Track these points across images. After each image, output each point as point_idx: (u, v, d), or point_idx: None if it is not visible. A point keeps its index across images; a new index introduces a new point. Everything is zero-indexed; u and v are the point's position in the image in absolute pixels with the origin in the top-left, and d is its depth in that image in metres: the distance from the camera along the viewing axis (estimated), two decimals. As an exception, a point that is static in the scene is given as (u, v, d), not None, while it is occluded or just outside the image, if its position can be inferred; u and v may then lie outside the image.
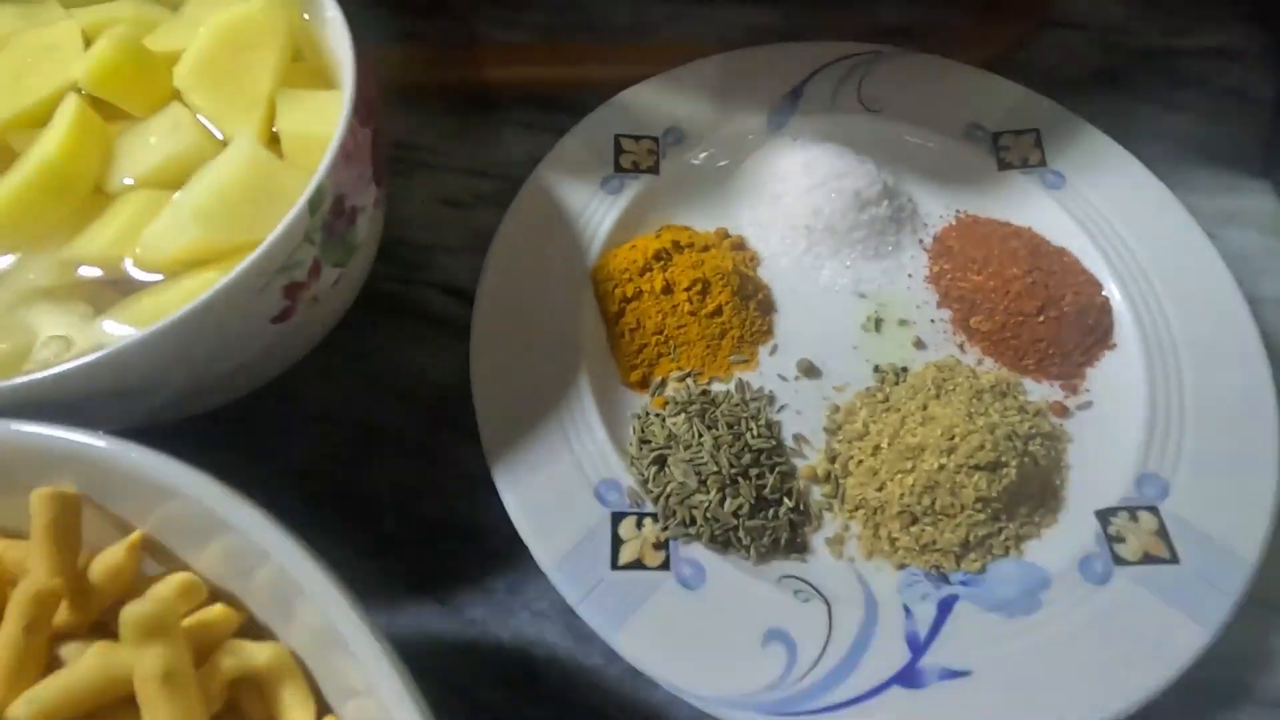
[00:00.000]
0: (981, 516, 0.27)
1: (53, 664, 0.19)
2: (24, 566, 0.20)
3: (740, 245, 0.34)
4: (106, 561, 0.20)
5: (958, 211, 0.35)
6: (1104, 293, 0.32)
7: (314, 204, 0.23)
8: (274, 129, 0.27)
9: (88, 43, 0.28)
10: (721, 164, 0.35)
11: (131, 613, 0.18)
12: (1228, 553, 0.25)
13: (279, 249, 0.22)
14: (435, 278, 0.35)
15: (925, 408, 0.28)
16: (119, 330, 0.23)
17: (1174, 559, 0.26)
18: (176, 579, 0.20)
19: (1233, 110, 0.39)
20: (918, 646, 0.25)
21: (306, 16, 0.28)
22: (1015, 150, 0.35)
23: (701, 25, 0.42)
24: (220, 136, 0.26)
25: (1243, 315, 0.30)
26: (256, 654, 0.19)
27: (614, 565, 0.26)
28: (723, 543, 0.27)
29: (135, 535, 0.20)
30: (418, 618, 0.28)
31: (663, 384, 0.31)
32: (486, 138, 0.38)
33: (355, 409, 0.32)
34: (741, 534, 0.26)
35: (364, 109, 0.25)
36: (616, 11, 0.42)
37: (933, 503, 0.27)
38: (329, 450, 0.31)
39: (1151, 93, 0.39)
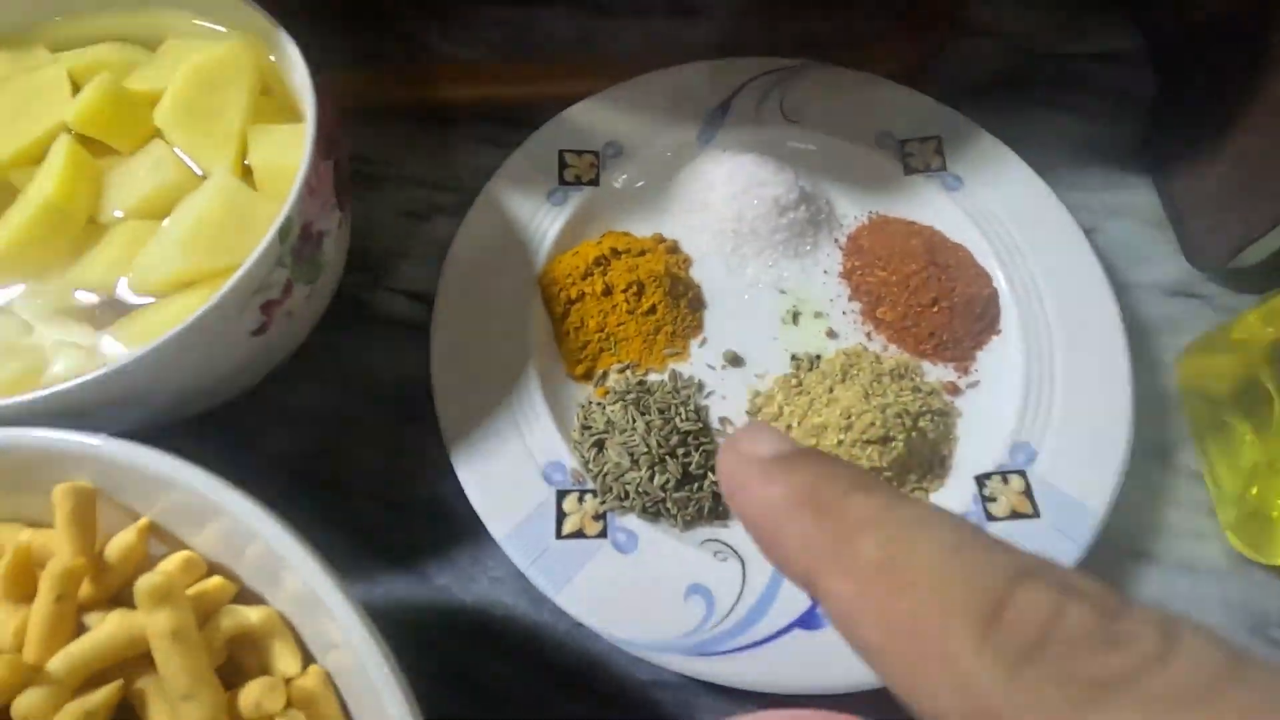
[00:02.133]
0: (875, 483, 0.31)
1: (79, 631, 0.23)
2: (49, 550, 0.24)
3: (674, 249, 0.38)
4: (119, 544, 0.23)
5: (870, 212, 0.39)
6: (993, 284, 0.36)
7: (283, 233, 0.26)
8: (246, 161, 0.30)
9: (74, 84, 0.31)
10: (657, 174, 0.39)
11: (144, 582, 0.22)
12: (1079, 507, 0.30)
13: (254, 274, 0.26)
14: (399, 284, 0.38)
15: (831, 391, 0.33)
16: (117, 348, 0.27)
17: (1035, 514, 0.30)
18: (179, 556, 0.24)
19: (1118, 110, 0.43)
20: (817, 595, 0.29)
21: (273, 58, 0.31)
22: (919, 156, 0.39)
23: (641, 38, 0.45)
24: (198, 170, 0.30)
25: (1109, 302, 0.34)
26: (250, 615, 0.23)
27: (558, 535, 0.30)
28: (653, 513, 0.31)
29: (143, 521, 0.24)
30: (390, 587, 0.32)
31: (604, 376, 0.34)
32: (444, 152, 0.42)
33: (331, 405, 0.35)
34: (669, 505, 0.31)
35: (325, 144, 0.28)
36: (563, 28, 0.45)
37: (834, 473, 0.31)
38: (308, 442, 0.35)
39: (1047, 95, 0.43)
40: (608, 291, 0.35)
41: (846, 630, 0.09)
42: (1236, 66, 0.38)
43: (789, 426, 0.32)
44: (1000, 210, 0.37)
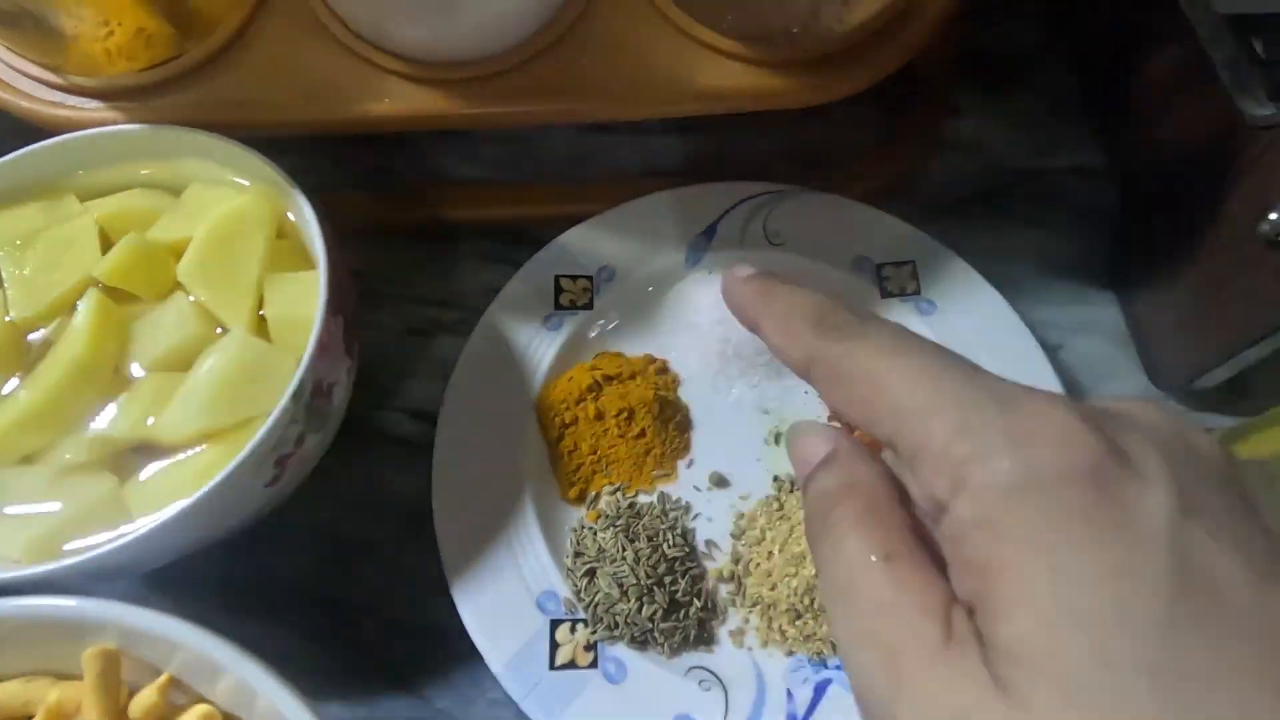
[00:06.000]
0: (852, 612, 0.32)
1: (103, 783, 0.25)
2: (75, 702, 0.26)
3: (664, 369, 0.40)
4: (142, 701, 0.25)
5: (849, 332, 0.41)
6: (964, 408, 0.38)
7: (298, 394, 0.28)
8: (261, 312, 0.32)
9: (102, 232, 0.34)
10: (647, 297, 0.41)
11: (166, 748, 0.23)
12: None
13: (271, 435, 0.28)
14: (404, 403, 0.40)
15: (810, 517, 0.34)
16: (139, 504, 0.29)
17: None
18: (198, 711, 0.25)
19: (1087, 226, 0.45)
20: (796, 726, 0.30)
21: (291, 216, 0.34)
22: (895, 280, 0.41)
23: (632, 153, 0.48)
24: (218, 327, 0.32)
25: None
26: (262, 769, 0.25)
27: (551, 665, 0.31)
28: (641, 642, 0.32)
29: (163, 679, 0.26)
30: (393, 708, 0.33)
31: (596, 497, 0.36)
32: (448, 269, 0.44)
33: (336, 526, 0.37)
34: (657, 634, 0.32)
35: (335, 302, 0.30)
36: (558, 145, 0.48)
37: (812, 601, 0.33)
38: (314, 561, 0.37)
39: (1018, 211, 0.45)
40: (600, 416, 0.37)
41: (771, 343, 0.20)
42: (1196, 193, 0.40)
43: (770, 553, 0.34)
44: (970, 335, 0.39)
